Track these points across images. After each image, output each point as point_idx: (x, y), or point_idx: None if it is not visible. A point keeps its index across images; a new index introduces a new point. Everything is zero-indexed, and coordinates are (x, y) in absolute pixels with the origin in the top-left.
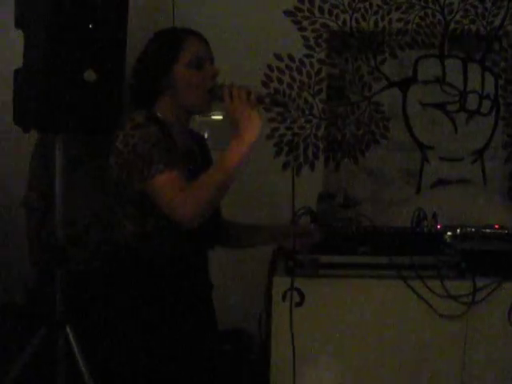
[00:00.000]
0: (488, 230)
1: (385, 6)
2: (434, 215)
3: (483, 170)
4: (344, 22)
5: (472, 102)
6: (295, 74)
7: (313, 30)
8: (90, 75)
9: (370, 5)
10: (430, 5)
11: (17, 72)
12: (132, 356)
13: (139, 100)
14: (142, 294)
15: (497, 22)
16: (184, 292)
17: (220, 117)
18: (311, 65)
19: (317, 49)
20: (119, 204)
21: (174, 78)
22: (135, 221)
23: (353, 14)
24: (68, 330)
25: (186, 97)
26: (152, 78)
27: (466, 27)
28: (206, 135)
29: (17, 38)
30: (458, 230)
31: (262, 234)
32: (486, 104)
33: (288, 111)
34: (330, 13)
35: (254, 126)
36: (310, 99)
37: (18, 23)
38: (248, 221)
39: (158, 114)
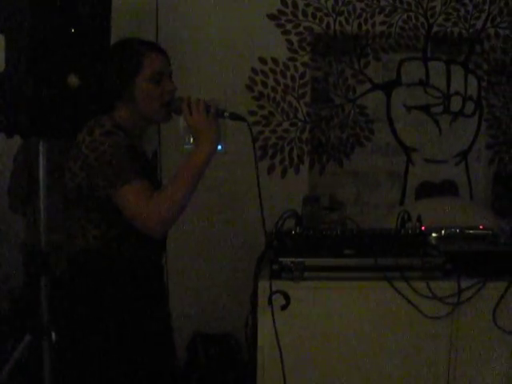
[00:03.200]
0: (472, 231)
1: (368, 9)
2: (419, 217)
3: (467, 172)
4: (328, 25)
5: (455, 103)
6: (279, 77)
7: (296, 34)
8: (72, 80)
9: (354, 8)
10: (413, 8)
11: None
12: (94, 351)
13: (100, 105)
14: (102, 295)
15: (478, 25)
16: (140, 292)
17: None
18: (295, 68)
19: (301, 52)
20: (82, 208)
21: (134, 91)
22: (99, 226)
23: (336, 17)
24: (53, 336)
25: (144, 108)
26: (113, 89)
27: (449, 30)
28: (191, 140)
29: None
30: (443, 231)
31: None
32: (470, 106)
33: (247, 125)
34: (314, 16)
35: (212, 139)
36: (294, 102)
37: (0, 27)
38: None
39: (120, 121)
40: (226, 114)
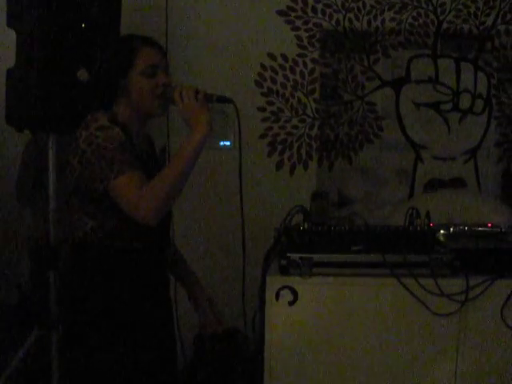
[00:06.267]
0: (481, 229)
1: (378, 6)
2: (427, 214)
3: (476, 169)
4: (337, 21)
5: (465, 101)
6: (288, 73)
7: (306, 30)
8: (82, 74)
9: (363, 4)
10: (423, 4)
11: (9, 72)
12: (92, 345)
13: (98, 99)
14: (100, 288)
15: (489, 22)
16: (142, 285)
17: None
18: (304, 64)
19: (310, 48)
20: (80, 201)
21: (128, 84)
22: (95, 218)
23: (346, 13)
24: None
25: (139, 102)
26: (109, 82)
27: (459, 27)
28: None
29: (9, 37)
30: (451, 229)
31: (188, 292)
32: (479, 103)
33: (235, 108)
34: (323, 12)
35: (203, 122)
36: (303, 99)
37: (10, 22)
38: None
39: (118, 116)
40: (214, 97)
